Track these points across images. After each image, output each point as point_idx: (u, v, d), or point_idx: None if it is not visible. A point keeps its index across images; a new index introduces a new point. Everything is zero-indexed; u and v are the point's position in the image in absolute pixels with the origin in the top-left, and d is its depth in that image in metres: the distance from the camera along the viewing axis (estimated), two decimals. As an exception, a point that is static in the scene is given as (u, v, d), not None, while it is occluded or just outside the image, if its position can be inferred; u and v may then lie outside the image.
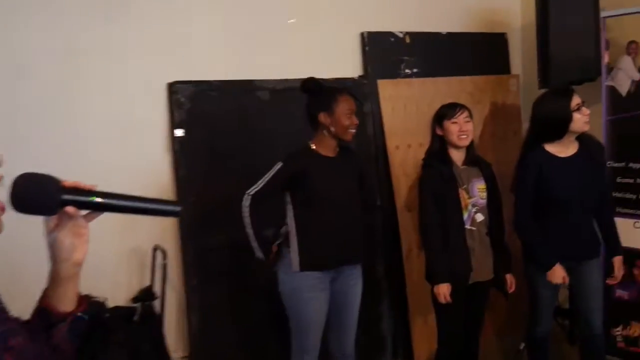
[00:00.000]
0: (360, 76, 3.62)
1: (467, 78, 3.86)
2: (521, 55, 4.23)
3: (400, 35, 3.71)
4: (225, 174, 3.17)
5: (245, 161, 3.19)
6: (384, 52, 3.64)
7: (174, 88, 3.08)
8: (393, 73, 3.68)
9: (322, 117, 2.82)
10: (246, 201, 2.77)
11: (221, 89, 3.19)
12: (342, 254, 2.88)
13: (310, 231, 2.82)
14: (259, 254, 2.83)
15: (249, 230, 2.79)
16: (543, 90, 3.23)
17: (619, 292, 3.46)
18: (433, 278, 3.02)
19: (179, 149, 3.09)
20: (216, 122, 3.19)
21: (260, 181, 2.79)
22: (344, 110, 2.81)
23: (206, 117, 3.15)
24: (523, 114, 4.06)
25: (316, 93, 2.86)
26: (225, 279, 3.21)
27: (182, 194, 3.09)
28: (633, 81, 3.40)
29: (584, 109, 2.93)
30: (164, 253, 3.04)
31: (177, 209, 1.16)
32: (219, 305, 3.21)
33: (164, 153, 3.13)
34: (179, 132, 3.09)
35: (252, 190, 2.78)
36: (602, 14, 3.48)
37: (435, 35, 3.84)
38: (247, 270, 3.16)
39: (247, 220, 2.78)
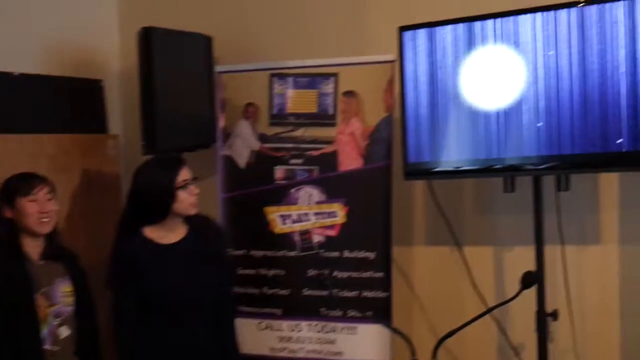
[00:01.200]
0: None
1: (48, 136, 3.69)
2: (122, 110, 4.25)
3: (-48, 72, 3.38)
4: None
5: None
6: None
7: None
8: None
9: None
10: None
11: None
12: None
13: None
14: None
15: None
16: (148, 157, 3.23)
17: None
18: None
19: None
20: None
21: None
22: None
23: None
24: (125, 186, 4.00)
25: None
26: None
27: None
28: (252, 151, 3.61)
29: (192, 187, 2.98)
30: None
31: None
32: None
33: None
34: None
35: None
36: (217, 68, 3.66)
37: (5, 77, 3.62)
38: None
39: None
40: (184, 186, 2.96)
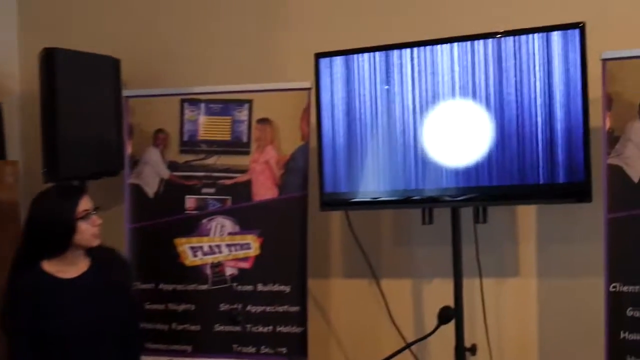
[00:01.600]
0: None
1: (-60, 163, 3.56)
2: (22, 135, 4.15)
3: None
4: None
5: None
6: None
7: None
8: None
9: None
10: None
11: None
12: None
13: None
14: None
15: None
16: (48, 186, 3.15)
17: None
18: None
19: None
20: None
21: None
22: None
23: None
24: (24, 216, 3.90)
25: None
26: None
27: None
28: (162, 179, 3.56)
29: (93, 217, 2.91)
30: None
31: None
32: None
33: None
34: None
35: None
36: (125, 93, 3.61)
37: None
38: None
39: None
40: (84, 217, 2.88)
